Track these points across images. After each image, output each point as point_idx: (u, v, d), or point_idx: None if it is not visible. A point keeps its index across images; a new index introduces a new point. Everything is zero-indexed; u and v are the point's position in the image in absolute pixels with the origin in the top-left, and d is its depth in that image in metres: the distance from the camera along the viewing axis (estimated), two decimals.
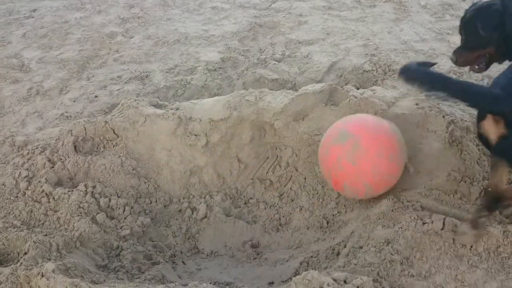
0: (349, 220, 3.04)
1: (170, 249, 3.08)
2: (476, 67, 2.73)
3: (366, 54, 4.50)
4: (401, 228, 2.56)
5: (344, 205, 3.16)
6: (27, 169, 3.30)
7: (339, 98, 3.37)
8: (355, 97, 3.26)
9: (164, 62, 4.99)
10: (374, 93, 3.33)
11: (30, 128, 4.01)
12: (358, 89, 3.60)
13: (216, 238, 3.24)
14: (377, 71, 4.12)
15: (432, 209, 2.74)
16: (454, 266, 2.46)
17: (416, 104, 3.24)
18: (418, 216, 2.61)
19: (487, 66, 2.71)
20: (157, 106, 3.68)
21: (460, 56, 2.73)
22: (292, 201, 3.37)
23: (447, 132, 3.01)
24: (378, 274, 2.36)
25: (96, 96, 4.42)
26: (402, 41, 4.82)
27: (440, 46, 4.75)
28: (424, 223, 2.59)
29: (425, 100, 3.25)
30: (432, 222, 2.59)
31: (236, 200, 3.41)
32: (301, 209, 3.30)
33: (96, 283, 2.40)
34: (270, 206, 3.40)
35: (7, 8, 6.65)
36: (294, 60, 4.64)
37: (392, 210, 2.72)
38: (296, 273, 2.84)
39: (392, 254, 2.46)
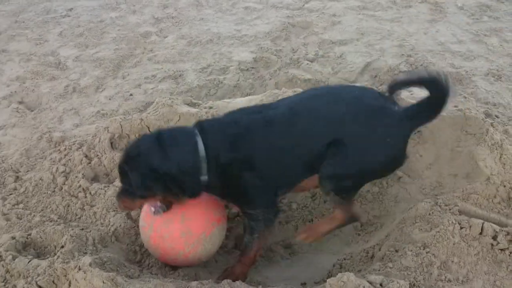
0: (384, 223, 3.00)
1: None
2: (153, 209, 2.59)
3: (402, 54, 4.44)
4: (439, 232, 2.50)
5: (379, 208, 3.11)
6: (64, 165, 3.36)
7: None
8: None
9: (197, 61, 5.03)
10: (411, 94, 3.28)
11: (67, 124, 4.08)
12: None
13: None
14: None
15: (470, 213, 2.67)
16: (493, 271, 2.41)
17: (455, 106, 3.17)
18: (456, 221, 2.55)
19: (168, 207, 2.58)
20: (191, 104, 3.70)
21: (122, 201, 2.55)
22: (325, 202, 3.33)
23: (486, 135, 2.94)
24: (414, 278, 2.31)
25: (131, 95, 4.48)
26: (438, 42, 4.74)
27: (477, 48, 4.66)
28: (462, 228, 2.53)
29: (465, 102, 3.18)
30: (470, 227, 2.52)
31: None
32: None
33: (131, 278, 2.41)
34: (303, 206, 3.38)
35: (44, 7, 6.81)
36: (327, 60, 4.61)
37: (430, 214, 2.66)
38: (329, 275, 2.81)
39: (429, 258, 2.41)
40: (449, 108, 3.22)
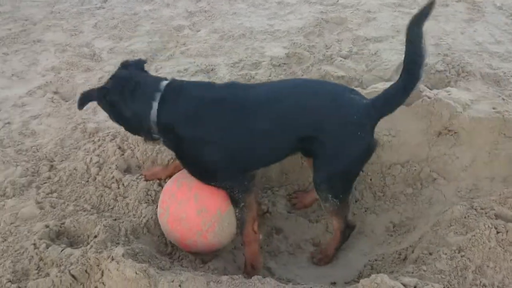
0: (416, 225, 2.95)
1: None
2: None
3: (438, 53, 4.35)
4: (474, 236, 2.45)
5: (412, 210, 3.07)
6: (98, 155, 3.40)
7: (411, 98, 3.24)
8: (429, 98, 3.16)
9: (229, 56, 5.02)
10: (449, 94, 3.22)
11: (101, 116, 4.11)
12: (430, 89, 3.48)
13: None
14: (450, 72, 3.96)
15: (507, 218, 2.60)
16: None
17: (494, 108, 3.10)
18: (492, 225, 2.49)
19: None
20: None
21: None
22: (356, 201, 3.30)
23: None
24: (448, 282, 2.27)
25: None
26: (476, 42, 4.63)
27: None
28: (498, 232, 2.47)
29: (503, 104, 3.10)
30: (507, 232, 2.46)
31: None
32: (366, 211, 3.23)
33: (163, 270, 2.43)
34: None
35: None
36: (361, 57, 4.55)
37: (465, 217, 2.61)
38: (360, 276, 2.79)
39: (464, 262, 2.36)
40: (488, 110, 3.15)
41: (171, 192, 2.77)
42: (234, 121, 2.55)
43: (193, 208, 2.67)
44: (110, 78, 2.72)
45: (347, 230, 2.92)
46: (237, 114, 2.56)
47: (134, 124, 2.67)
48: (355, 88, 3.45)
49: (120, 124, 2.75)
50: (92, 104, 4.27)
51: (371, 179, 3.28)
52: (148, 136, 2.67)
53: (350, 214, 2.89)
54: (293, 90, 2.64)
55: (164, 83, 2.64)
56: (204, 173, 2.67)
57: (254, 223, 2.74)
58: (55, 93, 4.64)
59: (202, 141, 2.56)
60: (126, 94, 2.59)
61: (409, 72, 2.50)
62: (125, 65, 2.80)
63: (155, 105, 2.55)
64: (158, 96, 2.56)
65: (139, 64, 2.82)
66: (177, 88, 2.63)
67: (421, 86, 3.52)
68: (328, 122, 2.54)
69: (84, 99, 2.68)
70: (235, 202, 2.72)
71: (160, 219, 2.82)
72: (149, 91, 2.59)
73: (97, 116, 4.09)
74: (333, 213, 2.80)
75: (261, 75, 4.50)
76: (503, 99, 3.40)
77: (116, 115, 2.70)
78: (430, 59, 4.26)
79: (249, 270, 2.76)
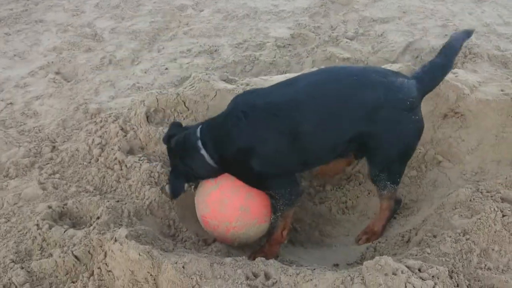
0: (420, 208, 2.93)
1: None
2: None
3: (445, 35, 4.28)
4: (480, 219, 2.42)
5: (416, 192, 3.05)
6: (100, 136, 3.37)
7: None
8: None
9: (233, 36, 4.96)
10: (456, 76, 3.17)
11: (103, 96, 4.10)
12: None
13: None
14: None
15: None
16: None
17: (502, 90, 3.05)
18: (498, 208, 2.46)
19: None
20: (228, 81, 3.66)
21: None
22: (360, 184, 3.29)
23: None
24: (453, 265, 2.25)
25: (166, 69, 4.46)
26: (484, 24, 4.56)
27: None
28: (504, 216, 2.44)
29: None
30: None
31: (303, 180, 3.36)
32: (369, 193, 3.22)
33: (166, 251, 2.42)
34: (337, 188, 3.34)
35: None
36: (367, 39, 4.49)
37: (470, 200, 2.58)
38: (363, 257, 2.78)
39: (468, 245, 2.33)
40: (495, 92, 3.10)
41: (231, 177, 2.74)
42: (276, 127, 2.48)
43: (239, 201, 2.67)
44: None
45: (396, 206, 2.89)
46: (277, 120, 2.47)
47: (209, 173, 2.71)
48: None
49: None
50: (94, 84, 4.30)
51: None
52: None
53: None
54: (338, 85, 2.52)
55: (198, 130, 2.69)
56: (263, 182, 2.65)
57: (285, 230, 2.76)
58: (57, 73, 4.62)
59: (252, 155, 2.52)
60: (184, 160, 2.69)
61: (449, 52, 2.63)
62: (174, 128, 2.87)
63: (203, 152, 2.62)
64: (199, 144, 2.63)
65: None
66: (207, 126, 2.68)
67: None
68: (382, 114, 2.45)
69: (178, 190, 2.73)
70: (275, 209, 2.69)
71: (204, 184, 2.80)
72: (191, 145, 2.66)
73: (99, 96, 4.07)
74: (388, 197, 2.78)
75: (266, 56, 4.46)
76: None
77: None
78: (437, 40, 4.22)
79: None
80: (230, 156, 2.58)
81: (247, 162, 2.53)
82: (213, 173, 2.70)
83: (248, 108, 2.51)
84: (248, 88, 3.43)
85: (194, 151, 2.64)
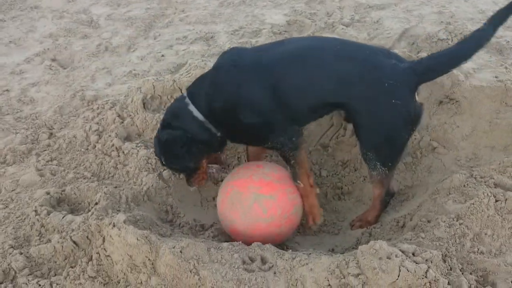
0: (415, 193, 2.96)
1: None
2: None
3: (441, 22, 4.29)
4: (473, 204, 2.46)
5: (411, 178, 3.08)
6: (97, 123, 3.39)
7: None
8: None
9: (229, 23, 4.95)
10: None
11: (99, 83, 4.10)
12: None
13: None
14: (452, 40, 3.91)
15: (506, 186, 2.61)
16: None
17: (496, 77, 3.08)
18: (491, 193, 2.50)
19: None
20: None
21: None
22: (356, 170, 3.31)
23: None
24: (447, 249, 2.29)
25: (162, 55, 4.46)
26: (479, 10, 4.56)
27: None
28: (497, 201, 2.47)
29: (506, 73, 3.07)
30: (506, 200, 2.47)
31: None
32: (365, 179, 3.24)
33: (164, 236, 2.46)
34: (333, 174, 3.36)
35: None
36: (363, 25, 4.49)
37: (464, 186, 2.61)
38: (358, 243, 2.81)
39: (462, 230, 2.37)
40: (490, 79, 3.13)
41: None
42: (260, 80, 2.55)
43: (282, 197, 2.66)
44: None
45: (387, 197, 2.87)
46: (261, 73, 2.55)
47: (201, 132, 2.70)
48: None
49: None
50: (90, 71, 4.30)
51: None
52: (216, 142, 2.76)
53: (392, 182, 2.85)
54: (320, 52, 2.58)
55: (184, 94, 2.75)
56: (257, 134, 2.68)
57: (309, 177, 2.75)
58: (53, 60, 4.61)
59: (239, 105, 2.58)
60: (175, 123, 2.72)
61: (467, 44, 2.47)
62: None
63: (191, 107, 2.65)
64: (186, 99, 2.68)
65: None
66: (194, 82, 2.76)
67: (422, 54, 3.49)
68: (358, 89, 2.47)
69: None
70: (287, 160, 2.71)
71: (242, 171, 2.79)
72: (180, 104, 2.71)
73: (95, 83, 4.07)
74: (378, 181, 2.75)
75: (262, 43, 4.44)
76: (506, 67, 3.37)
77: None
78: (433, 27, 4.22)
79: (310, 224, 2.81)
80: (219, 108, 2.61)
81: (236, 113, 2.58)
82: (206, 133, 2.69)
83: (236, 61, 2.60)
84: None
85: (182, 108, 2.68)
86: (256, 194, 2.60)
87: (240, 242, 2.44)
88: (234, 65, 2.58)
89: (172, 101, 2.85)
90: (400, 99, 2.48)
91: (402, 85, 2.47)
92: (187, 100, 2.66)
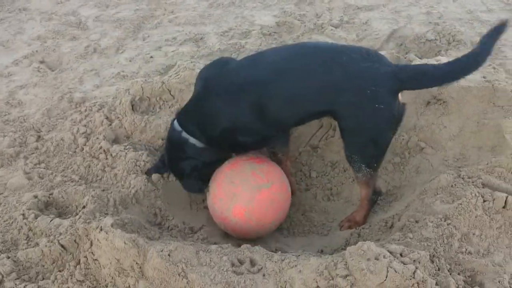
0: (403, 194, 2.97)
1: None
2: None
3: (429, 22, 4.31)
4: (461, 204, 2.46)
5: (399, 179, 3.08)
6: (85, 126, 3.37)
7: None
8: None
9: (218, 24, 4.95)
10: (438, 63, 3.19)
11: (87, 85, 4.08)
12: (420, 59, 3.46)
13: None
14: (440, 41, 3.93)
15: (494, 186, 2.62)
16: None
17: (484, 77, 3.09)
18: (479, 193, 2.51)
19: None
20: None
21: None
22: (345, 171, 3.31)
23: None
24: (434, 249, 2.29)
25: (151, 57, 4.44)
26: (467, 11, 4.59)
27: (507, 17, 4.46)
28: (485, 201, 2.48)
29: (494, 73, 3.09)
30: (494, 200, 2.48)
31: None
32: (353, 180, 3.24)
33: (152, 239, 2.44)
34: (322, 175, 3.36)
35: None
36: (352, 27, 4.50)
37: (452, 186, 2.62)
38: (347, 243, 2.81)
39: (450, 230, 2.38)
40: (477, 79, 3.14)
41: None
42: (248, 103, 2.60)
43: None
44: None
45: (374, 196, 2.90)
46: (248, 97, 2.60)
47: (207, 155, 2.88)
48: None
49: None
50: (78, 73, 4.28)
51: None
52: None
53: (377, 182, 2.89)
54: (301, 63, 2.57)
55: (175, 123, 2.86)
56: (254, 146, 2.87)
57: (288, 161, 3.07)
58: (41, 62, 4.59)
59: (234, 131, 2.70)
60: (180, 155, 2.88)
61: (462, 64, 2.42)
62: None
63: (191, 140, 2.80)
64: (183, 132, 2.81)
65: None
66: (184, 115, 2.85)
67: (410, 55, 3.51)
68: (342, 97, 2.48)
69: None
70: (273, 153, 2.96)
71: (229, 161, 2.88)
72: (180, 138, 2.83)
73: (83, 85, 4.05)
74: (364, 183, 2.77)
75: (251, 44, 4.45)
76: (494, 68, 3.38)
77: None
78: (421, 28, 4.24)
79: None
80: (215, 137, 2.74)
81: (232, 136, 2.71)
82: (211, 154, 2.85)
83: (220, 88, 2.66)
84: None
85: (183, 142, 2.80)
86: (251, 163, 2.78)
87: (229, 244, 2.43)
88: (218, 92, 2.65)
89: (168, 132, 2.96)
90: (383, 104, 2.48)
91: (384, 90, 2.46)
92: (184, 134, 2.79)
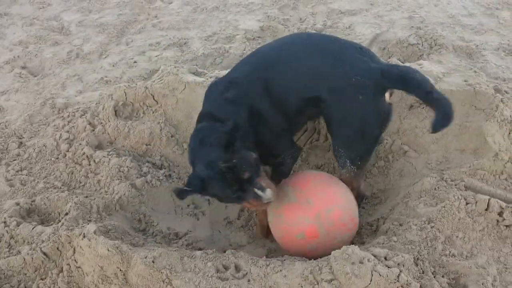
0: (388, 197, 2.99)
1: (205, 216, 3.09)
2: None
3: (412, 27, 4.35)
4: (444, 207, 2.49)
5: (383, 182, 3.10)
6: (67, 132, 3.34)
7: None
8: None
9: (202, 29, 4.94)
10: (421, 67, 3.23)
11: (70, 91, 4.05)
12: (402, 63, 3.49)
13: None
14: (422, 45, 3.97)
15: (477, 189, 2.65)
16: (497, 247, 2.42)
17: (465, 81, 3.12)
18: (462, 196, 2.53)
19: None
20: (197, 74, 3.65)
21: None
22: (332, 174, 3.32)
23: (496, 111, 2.89)
24: (418, 252, 2.31)
25: (135, 62, 4.42)
26: (449, 15, 4.64)
27: (488, 21, 4.55)
28: (467, 203, 2.51)
29: (475, 77, 3.12)
30: (476, 203, 2.51)
31: None
32: None
33: (136, 246, 2.42)
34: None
35: None
36: (335, 31, 4.52)
37: (435, 189, 2.64)
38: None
39: (433, 233, 2.40)
40: (459, 82, 3.17)
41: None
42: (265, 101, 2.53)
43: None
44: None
45: (358, 200, 2.80)
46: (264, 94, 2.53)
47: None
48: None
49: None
50: (61, 79, 4.24)
51: None
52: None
53: (362, 183, 2.84)
54: (296, 49, 2.59)
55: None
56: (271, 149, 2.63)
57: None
58: (23, 67, 4.55)
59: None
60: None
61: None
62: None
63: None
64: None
65: None
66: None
67: (393, 59, 3.54)
68: (329, 82, 2.48)
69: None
70: (279, 175, 2.70)
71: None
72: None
73: (66, 91, 4.02)
74: (347, 180, 2.70)
75: (235, 49, 4.46)
76: (475, 71, 3.43)
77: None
78: (404, 32, 4.28)
79: None
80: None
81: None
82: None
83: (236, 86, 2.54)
84: None
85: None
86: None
87: (214, 250, 2.43)
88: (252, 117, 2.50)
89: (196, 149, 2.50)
90: (367, 95, 2.45)
91: (370, 83, 2.44)
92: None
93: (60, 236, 2.48)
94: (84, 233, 2.37)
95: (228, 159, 2.25)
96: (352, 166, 2.64)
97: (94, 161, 3.08)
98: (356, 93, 2.45)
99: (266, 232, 2.87)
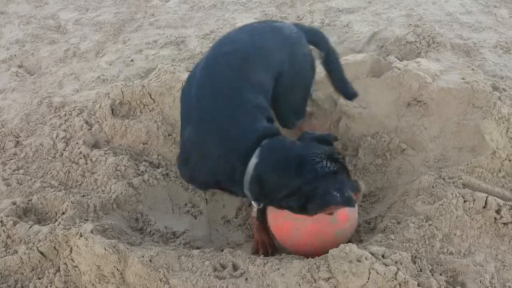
0: (386, 195, 2.99)
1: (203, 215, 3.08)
2: None
3: (410, 24, 4.34)
4: (442, 205, 2.48)
5: (381, 180, 3.10)
6: (64, 130, 3.33)
7: (381, 70, 3.28)
8: (398, 69, 3.16)
9: (199, 27, 4.93)
10: (418, 65, 3.22)
11: (67, 89, 4.03)
12: (401, 60, 3.49)
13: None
14: (420, 43, 3.96)
15: (475, 187, 2.65)
16: (495, 245, 2.41)
17: (463, 79, 3.12)
18: (459, 194, 2.53)
19: None
20: None
21: None
22: None
23: (493, 109, 2.89)
24: (416, 250, 2.31)
25: (132, 60, 4.41)
26: (447, 13, 4.63)
27: (486, 19, 4.54)
28: (465, 201, 2.51)
29: (472, 75, 3.12)
30: (474, 201, 2.51)
31: None
32: None
33: (133, 245, 2.42)
34: None
35: None
36: (333, 29, 4.51)
37: (433, 187, 2.64)
38: None
39: (431, 231, 2.39)
40: (457, 80, 3.17)
41: None
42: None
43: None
44: None
45: None
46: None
47: None
48: None
49: None
50: (57, 77, 4.23)
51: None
52: None
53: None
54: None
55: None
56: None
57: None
58: (20, 66, 4.53)
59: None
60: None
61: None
62: None
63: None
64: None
65: None
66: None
67: (391, 57, 3.53)
68: (282, 53, 2.71)
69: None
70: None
71: None
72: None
73: (63, 90, 4.00)
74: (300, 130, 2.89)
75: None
76: (473, 69, 3.42)
77: None
78: (401, 30, 4.27)
79: None
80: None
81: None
82: None
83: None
84: None
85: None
86: None
87: (212, 249, 2.42)
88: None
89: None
90: (308, 49, 2.85)
91: (304, 40, 2.82)
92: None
93: (57, 236, 2.47)
94: (81, 232, 2.36)
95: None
96: (303, 119, 2.96)
97: (91, 160, 3.07)
98: (302, 49, 2.84)
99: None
